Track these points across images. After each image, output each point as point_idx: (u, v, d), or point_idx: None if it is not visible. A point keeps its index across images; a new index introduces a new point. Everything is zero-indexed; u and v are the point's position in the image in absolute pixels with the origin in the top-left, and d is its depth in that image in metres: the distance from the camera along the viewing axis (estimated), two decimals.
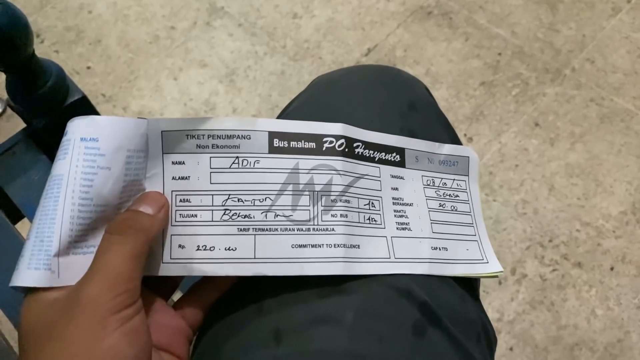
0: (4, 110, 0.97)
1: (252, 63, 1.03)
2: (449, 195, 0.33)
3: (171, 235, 0.28)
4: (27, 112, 0.48)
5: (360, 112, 0.35)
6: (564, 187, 0.87)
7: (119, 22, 1.09)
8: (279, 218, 0.28)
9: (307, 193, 0.29)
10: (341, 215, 0.29)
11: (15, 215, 0.49)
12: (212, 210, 0.28)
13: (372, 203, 0.31)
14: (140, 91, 1.01)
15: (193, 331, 0.29)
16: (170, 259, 0.28)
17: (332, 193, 0.29)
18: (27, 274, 0.25)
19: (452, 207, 0.33)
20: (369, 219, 0.30)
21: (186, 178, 0.29)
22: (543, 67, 1.00)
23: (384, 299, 0.28)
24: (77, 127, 0.27)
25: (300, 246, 0.28)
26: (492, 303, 0.78)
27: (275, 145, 0.29)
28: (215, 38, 1.06)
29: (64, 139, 0.28)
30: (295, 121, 0.30)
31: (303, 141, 0.30)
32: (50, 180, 0.27)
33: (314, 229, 0.29)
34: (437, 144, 0.34)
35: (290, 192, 0.29)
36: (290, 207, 0.29)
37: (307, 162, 0.29)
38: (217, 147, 0.29)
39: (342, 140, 0.30)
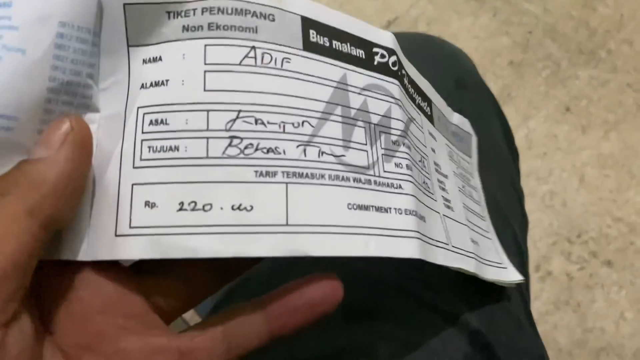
0: None
1: None
2: (464, 177, 0.25)
3: (132, 184, 0.16)
4: None
5: None
6: (595, 178, 0.81)
7: None
8: (325, 157, 0.18)
9: (361, 124, 0.19)
10: (407, 167, 0.19)
11: None
12: (208, 138, 0.17)
13: (423, 161, 0.21)
14: None
15: None
16: (130, 227, 0.16)
17: (392, 131, 0.19)
18: None
19: (469, 193, 0.25)
20: (423, 182, 0.21)
21: (163, 83, 0.17)
22: (576, 48, 0.93)
23: (427, 326, 0.23)
24: None
25: (360, 207, 0.18)
26: None
27: (312, 39, 0.19)
28: None
29: None
30: (338, 12, 0.20)
31: (349, 44, 0.20)
32: None
33: (375, 182, 0.18)
34: (448, 107, 0.25)
35: (340, 119, 0.18)
36: (341, 142, 0.18)
37: (357, 76, 0.19)
38: (219, 27, 0.17)
39: (395, 58, 0.21)
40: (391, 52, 0.21)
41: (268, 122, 0.17)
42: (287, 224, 0.16)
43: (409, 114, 0.21)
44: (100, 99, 0.17)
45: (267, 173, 0.17)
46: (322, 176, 0.17)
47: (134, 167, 0.17)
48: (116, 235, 0.16)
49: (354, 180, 0.18)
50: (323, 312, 0.17)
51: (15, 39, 0.16)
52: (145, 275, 0.18)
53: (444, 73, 0.30)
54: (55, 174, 0.15)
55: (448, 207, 0.22)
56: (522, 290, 0.28)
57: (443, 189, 0.22)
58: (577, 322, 0.72)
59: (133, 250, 0.16)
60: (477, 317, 0.23)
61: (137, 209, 0.16)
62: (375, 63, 0.20)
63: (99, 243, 0.16)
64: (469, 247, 0.22)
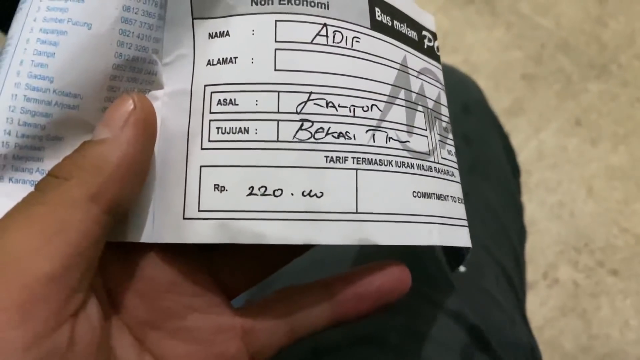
0: None
1: None
2: None
3: (200, 166, 0.16)
4: None
5: None
6: (603, 190, 0.84)
7: None
8: (392, 143, 0.17)
9: (421, 109, 0.18)
10: (455, 154, 0.19)
11: None
12: (279, 120, 0.16)
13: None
14: None
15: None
16: (199, 210, 0.16)
17: (442, 117, 0.19)
18: None
19: None
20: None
21: (231, 61, 0.16)
22: (588, 62, 0.96)
23: (432, 321, 0.26)
24: None
25: (424, 195, 0.17)
26: None
27: (377, 18, 0.18)
28: None
29: None
30: None
31: (405, 25, 0.19)
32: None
33: (435, 169, 0.18)
34: None
35: (404, 103, 0.17)
36: (405, 127, 0.17)
37: (414, 59, 0.18)
38: (290, 2, 0.16)
39: (438, 43, 0.20)
40: (435, 36, 0.20)
41: (339, 106, 0.16)
42: (356, 212, 0.16)
43: None
44: (164, 74, 0.16)
45: (338, 159, 0.16)
46: (390, 163, 0.17)
47: (202, 149, 0.16)
48: (184, 218, 0.16)
49: (418, 167, 0.17)
50: (391, 300, 0.17)
51: (82, 12, 0.15)
52: (211, 252, 0.17)
53: (451, 98, 0.34)
54: (117, 157, 0.14)
55: None
56: (517, 291, 0.31)
57: None
58: (582, 329, 0.74)
59: (201, 234, 0.15)
60: (475, 314, 0.27)
61: (206, 192, 0.16)
62: (425, 47, 0.19)
63: (166, 225, 0.16)
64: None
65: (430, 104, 0.18)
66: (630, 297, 0.76)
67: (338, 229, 0.16)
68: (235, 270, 0.18)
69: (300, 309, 0.17)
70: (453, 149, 0.19)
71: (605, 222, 0.81)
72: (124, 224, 0.16)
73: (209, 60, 0.16)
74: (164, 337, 0.17)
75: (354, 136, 0.16)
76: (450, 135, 0.19)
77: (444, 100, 0.20)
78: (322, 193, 0.16)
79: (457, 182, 0.19)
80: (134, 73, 0.16)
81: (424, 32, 0.20)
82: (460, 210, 0.18)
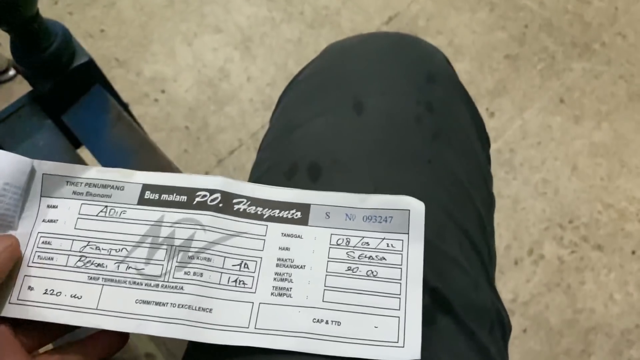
0: (17, 74, 0.96)
1: (268, 29, 1.00)
2: (370, 257, 0.28)
3: (24, 275, 0.28)
4: (32, 74, 0.47)
5: (373, 84, 0.33)
6: (587, 167, 0.84)
7: None
8: (130, 270, 0.28)
9: (164, 247, 0.28)
10: (195, 274, 0.28)
11: None
12: (69, 255, 0.29)
13: (246, 264, 0.28)
14: (154, 56, 0.99)
15: None
16: (17, 299, 0.28)
17: (190, 249, 0.28)
18: None
19: (370, 272, 0.27)
20: (235, 281, 0.28)
21: (54, 221, 0.30)
22: (571, 41, 0.96)
23: None
24: None
25: (144, 302, 0.27)
26: (506, 284, 0.76)
27: (145, 197, 0.30)
28: (231, 3, 1.03)
29: None
30: (175, 174, 0.30)
31: (175, 194, 0.30)
32: None
33: (162, 286, 0.28)
34: (362, 195, 0.29)
35: (148, 245, 0.29)
36: (144, 261, 0.28)
37: (172, 215, 0.29)
38: (91, 195, 0.30)
39: (217, 195, 0.29)
40: (213, 191, 0.30)
41: (102, 248, 0.29)
42: (97, 309, 0.27)
43: (228, 232, 0.29)
44: (20, 223, 0.30)
45: (94, 278, 0.28)
46: (124, 282, 0.28)
47: (28, 266, 0.29)
48: (9, 303, 0.28)
49: (145, 284, 0.28)
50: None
51: None
52: (19, 323, 0.28)
53: (416, 69, 0.34)
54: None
55: (281, 295, 0.27)
56: (483, 257, 0.31)
57: (282, 280, 0.28)
58: (567, 303, 0.75)
59: (18, 313, 0.28)
60: (435, 277, 0.27)
61: (24, 290, 0.28)
62: (194, 203, 0.29)
63: (4, 305, 0.28)
64: (300, 327, 0.27)
65: (178, 242, 0.29)
66: (614, 271, 0.77)
67: (85, 317, 0.27)
68: (29, 335, 0.28)
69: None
70: (194, 270, 0.28)
71: (589, 199, 0.82)
72: None
73: (44, 219, 0.30)
74: None
75: (106, 266, 0.28)
76: (197, 261, 0.28)
77: (199, 236, 0.29)
78: (81, 296, 0.28)
79: (185, 293, 0.27)
80: (2, 221, 0.29)
81: (199, 192, 0.30)
82: (178, 312, 0.27)
